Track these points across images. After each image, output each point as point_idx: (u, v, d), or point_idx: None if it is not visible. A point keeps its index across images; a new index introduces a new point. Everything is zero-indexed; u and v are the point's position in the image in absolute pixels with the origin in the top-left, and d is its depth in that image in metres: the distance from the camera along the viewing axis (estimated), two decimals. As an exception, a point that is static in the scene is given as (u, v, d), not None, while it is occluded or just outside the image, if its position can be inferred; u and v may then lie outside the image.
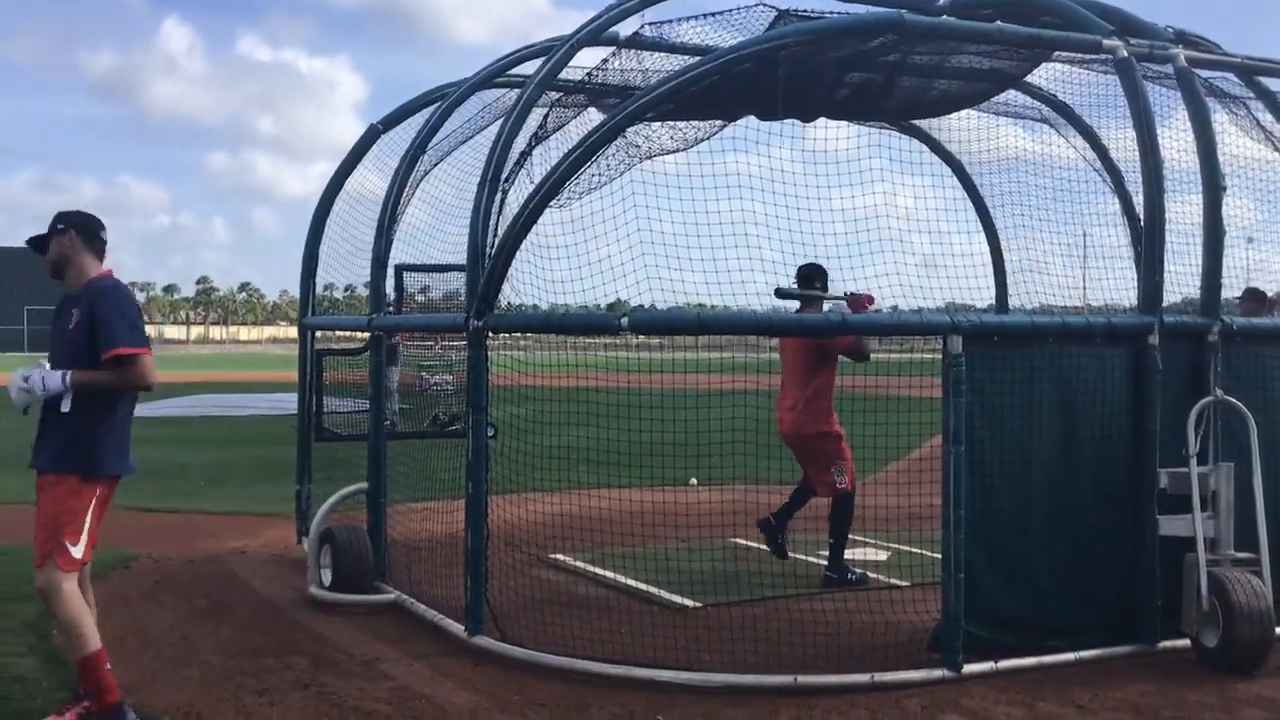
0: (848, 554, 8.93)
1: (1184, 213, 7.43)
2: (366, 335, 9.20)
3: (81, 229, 5.65)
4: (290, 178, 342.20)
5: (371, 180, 9.61)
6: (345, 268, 9.89)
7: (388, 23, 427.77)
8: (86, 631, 5.40)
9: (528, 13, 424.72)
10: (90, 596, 5.70)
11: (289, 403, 26.94)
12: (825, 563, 8.83)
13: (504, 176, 7.06)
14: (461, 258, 8.60)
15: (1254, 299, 10.30)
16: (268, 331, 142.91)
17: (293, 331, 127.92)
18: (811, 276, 8.57)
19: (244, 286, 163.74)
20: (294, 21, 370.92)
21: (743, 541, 9.77)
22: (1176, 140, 7.48)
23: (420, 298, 10.87)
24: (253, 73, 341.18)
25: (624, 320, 6.37)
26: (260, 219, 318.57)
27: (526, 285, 7.24)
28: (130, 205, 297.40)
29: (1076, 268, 10.10)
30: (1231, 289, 8.37)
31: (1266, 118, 8.56)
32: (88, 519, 5.45)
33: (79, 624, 5.41)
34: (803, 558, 9.17)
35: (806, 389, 8.70)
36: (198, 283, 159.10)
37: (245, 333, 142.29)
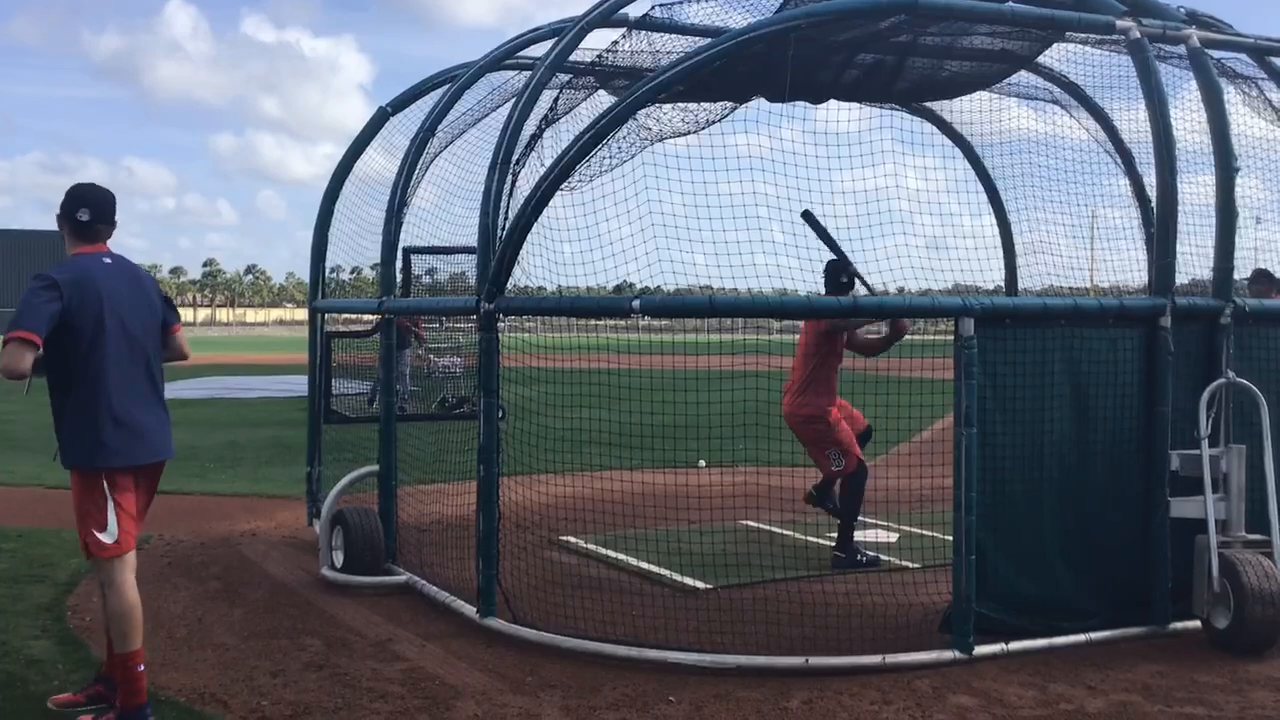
0: (858, 535, 8.95)
1: (1191, 193, 7.38)
2: (375, 318, 9.20)
3: (61, 214, 5.51)
4: (295, 159, 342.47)
5: (378, 162, 9.61)
6: (352, 249, 9.90)
7: (391, 3, 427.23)
8: (129, 629, 5.35)
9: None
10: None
11: (297, 385, 27.01)
12: (820, 539, 8.90)
13: (514, 159, 7.05)
14: (466, 239, 8.64)
15: (1263, 280, 10.29)
16: (274, 314, 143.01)
17: (300, 314, 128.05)
18: (839, 271, 8.63)
19: (250, 269, 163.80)
20: (297, 1, 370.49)
21: (752, 524, 9.80)
22: (1185, 119, 7.44)
23: (426, 279, 10.87)
24: (257, 54, 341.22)
25: (636, 303, 6.37)
26: (266, 201, 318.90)
27: (534, 267, 7.25)
28: (135, 187, 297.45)
29: (1084, 249, 10.10)
30: (1239, 270, 8.36)
31: (1278, 97, 8.53)
32: (110, 508, 5.35)
33: (123, 619, 5.36)
34: (815, 540, 9.19)
35: (806, 373, 8.78)
36: (204, 265, 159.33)
37: (252, 315, 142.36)
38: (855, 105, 8.74)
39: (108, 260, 5.49)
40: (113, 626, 5.42)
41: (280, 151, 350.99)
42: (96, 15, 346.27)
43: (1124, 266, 9.73)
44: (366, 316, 10.05)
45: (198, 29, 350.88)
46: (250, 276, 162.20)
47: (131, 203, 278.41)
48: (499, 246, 6.85)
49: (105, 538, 5.35)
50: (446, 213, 8.97)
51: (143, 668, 5.40)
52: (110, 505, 5.35)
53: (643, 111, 6.88)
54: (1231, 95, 8.15)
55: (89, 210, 5.47)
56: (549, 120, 7.51)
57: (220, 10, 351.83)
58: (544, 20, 8.87)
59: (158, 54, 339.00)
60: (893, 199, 8.45)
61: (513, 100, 7.76)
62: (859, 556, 8.69)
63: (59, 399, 5.40)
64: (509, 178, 6.99)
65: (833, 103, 8.52)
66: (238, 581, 8.25)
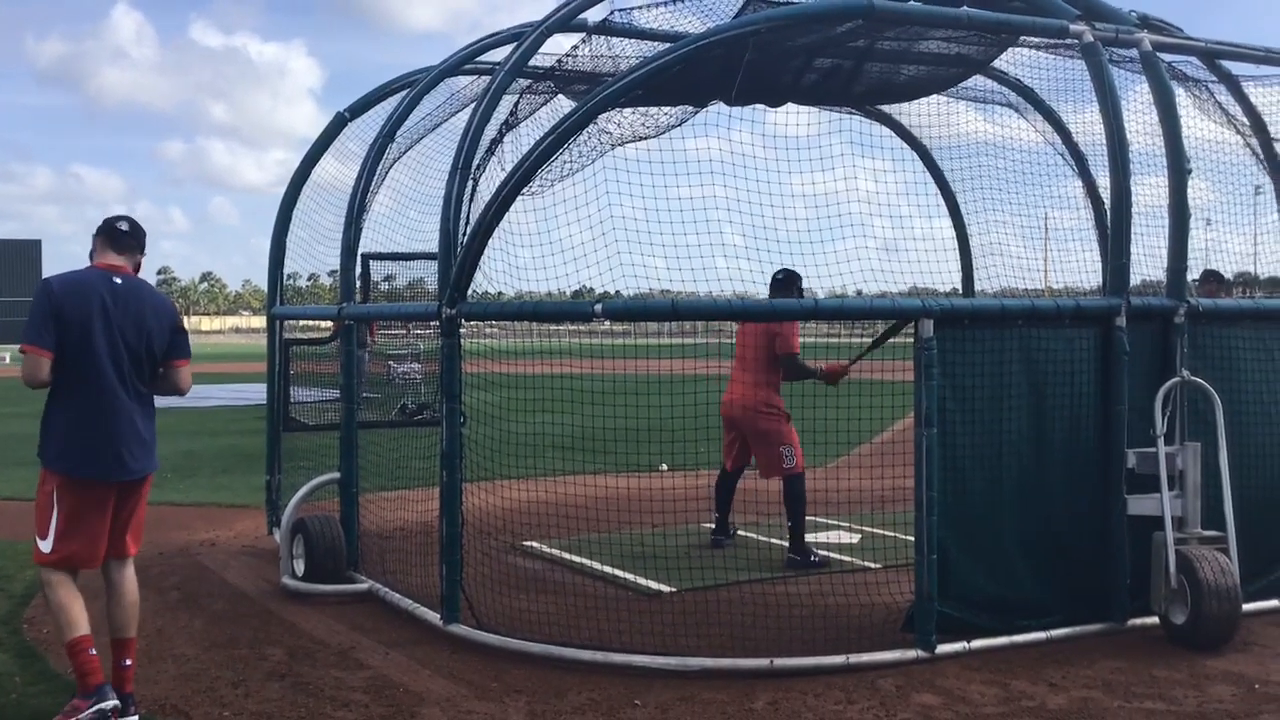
0: (821, 536, 9.00)
1: (1141, 194, 7.46)
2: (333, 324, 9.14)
3: (99, 228, 5.78)
4: (247, 166, 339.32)
5: (331, 168, 9.55)
6: (307, 256, 9.83)
7: (337, 8, 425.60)
8: (64, 619, 5.42)
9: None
10: (115, 587, 5.65)
11: (253, 393, 26.71)
12: (784, 540, 8.95)
13: (475, 164, 7.03)
14: (421, 245, 8.62)
15: (1213, 280, 10.44)
16: (230, 321, 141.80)
17: (256, 321, 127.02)
18: (790, 282, 8.70)
19: (205, 276, 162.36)
20: (241, 6, 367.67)
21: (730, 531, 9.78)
22: (1132, 121, 7.51)
23: (384, 285, 10.83)
24: (204, 59, 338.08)
25: (598, 307, 6.37)
26: (218, 207, 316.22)
27: (494, 272, 7.23)
28: (85, 194, 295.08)
29: (1038, 250, 10.20)
30: (1190, 270, 8.47)
31: (1228, 100, 8.66)
32: (53, 514, 5.42)
33: (58, 612, 5.45)
34: (777, 542, 9.22)
35: (763, 370, 8.86)
36: (159, 273, 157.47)
37: (207, 323, 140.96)
38: (807, 109, 8.79)
39: (119, 280, 5.62)
40: (54, 620, 5.53)
41: (231, 158, 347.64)
42: (40, 21, 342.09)
43: (1077, 267, 9.86)
44: (325, 323, 9.98)
45: (144, 34, 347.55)
46: (205, 284, 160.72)
47: (82, 211, 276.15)
48: (460, 252, 6.83)
49: (43, 546, 5.48)
50: (402, 217, 8.93)
51: (94, 651, 5.41)
52: (54, 515, 5.43)
53: (603, 116, 6.88)
54: (1182, 98, 8.26)
55: (128, 222, 5.79)
56: (509, 125, 7.50)
57: (166, 15, 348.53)
58: (492, 25, 8.88)
59: (103, 60, 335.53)
60: (846, 202, 8.51)
61: (472, 105, 7.74)
62: (811, 556, 8.75)
63: (48, 397, 5.54)
64: (470, 183, 6.97)
65: (785, 106, 8.57)
66: (197, 591, 8.17)
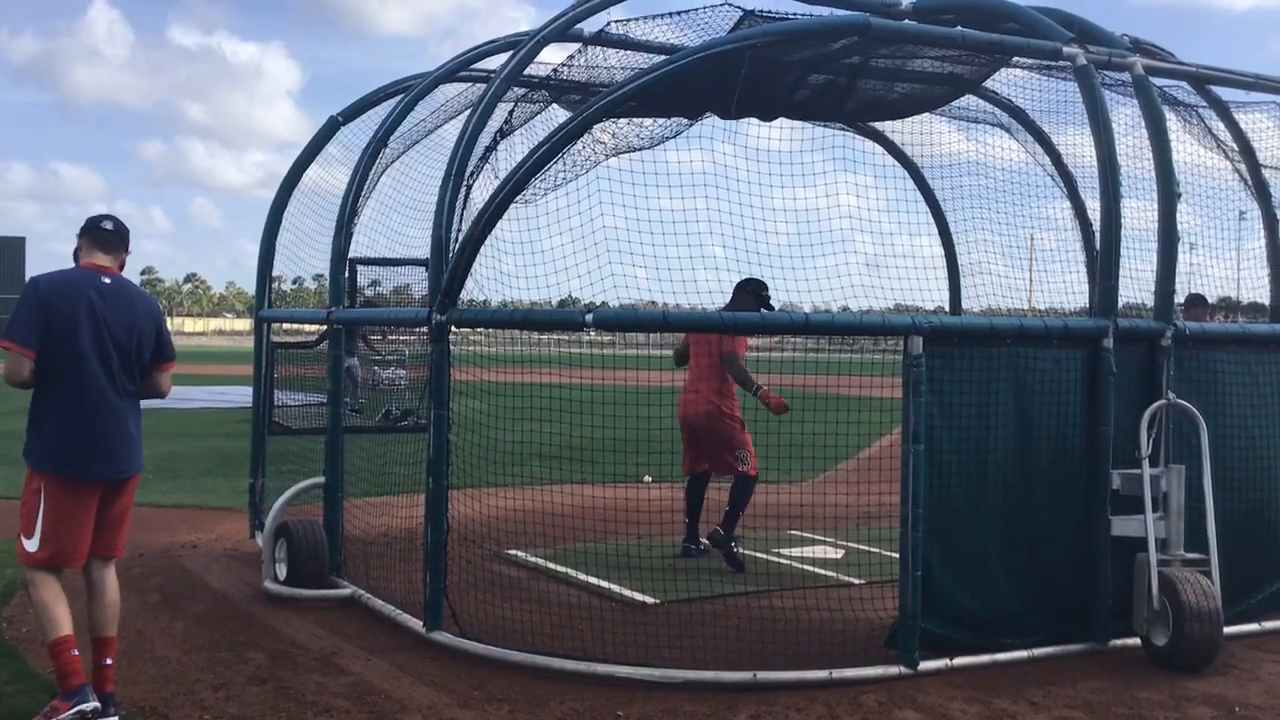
0: (805, 551, 9.00)
1: (1125, 217, 7.45)
2: (317, 327, 9.12)
3: (83, 228, 5.78)
4: (227, 167, 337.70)
5: (314, 173, 9.52)
6: (291, 259, 9.80)
7: (310, 10, 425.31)
8: (47, 619, 5.41)
9: (455, 4, 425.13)
10: (96, 586, 5.64)
11: (236, 396, 26.58)
12: (768, 554, 8.97)
13: (469, 171, 7.03)
14: (405, 250, 8.62)
15: (1197, 304, 10.50)
16: (214, 324, 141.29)
17: (240, 324, 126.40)
18: (755, 292, 8.82)
19: (190, 277, 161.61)
20: (215, 5, 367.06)
21: (700, 539, 9.80)
22: (1118, 143, 7.53)
23: (370, 291, 10.81)
24: (181, 59, 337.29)
25: (589, 317, 6.37)
26: (200, 208, 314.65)
27: (484, 279, 7.23)
28: (64, 192, 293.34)
29: (1022, 270, 10.25)
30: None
31: (1218, 125, 8.72)
32: (39, 514, 5.42)
33: (41, 611, 5.44)
34: (761, 555, 9.23)
35: (721, 378, 8.98)
36: (142, 273, 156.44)
37: (190, 325, 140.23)
38: (790, 124, 8.80)
39: (107, 280, 5.63)
40: (37, 619, 5.53)
41: (210, 159, 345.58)
42: (13, 16, 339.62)
43: (1061, 289, 9.90)
44: (310, 327, 9.97)
45: (120, 33, 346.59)
46: (190, 285, 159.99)
47: (62, 209, 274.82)
48: (452, 258, 6.83)
49: (28, 545, 5.47)
50: (387, 221, 8.93)
51: (76, 652, 5.40)
52: (40, 514, 5.43)
53: (598, 126, 6.89)
54: (1170, 122, 8.31)
55: (112, 222, 5.79)
56: (503, 133, 7.51)
57: (141, 14, 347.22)
58: (466, 32, 8.89)
59: (79, 57, 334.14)
60: (829, 218, 8.53)
61: (464, 113, 7.74)
62: (735, 547, 8.87)
63: (35, 396, 5.54)
64: (463, 189, 6.97)
65: (770, 121, 8.58)
66: (178, 594, 8.13)
